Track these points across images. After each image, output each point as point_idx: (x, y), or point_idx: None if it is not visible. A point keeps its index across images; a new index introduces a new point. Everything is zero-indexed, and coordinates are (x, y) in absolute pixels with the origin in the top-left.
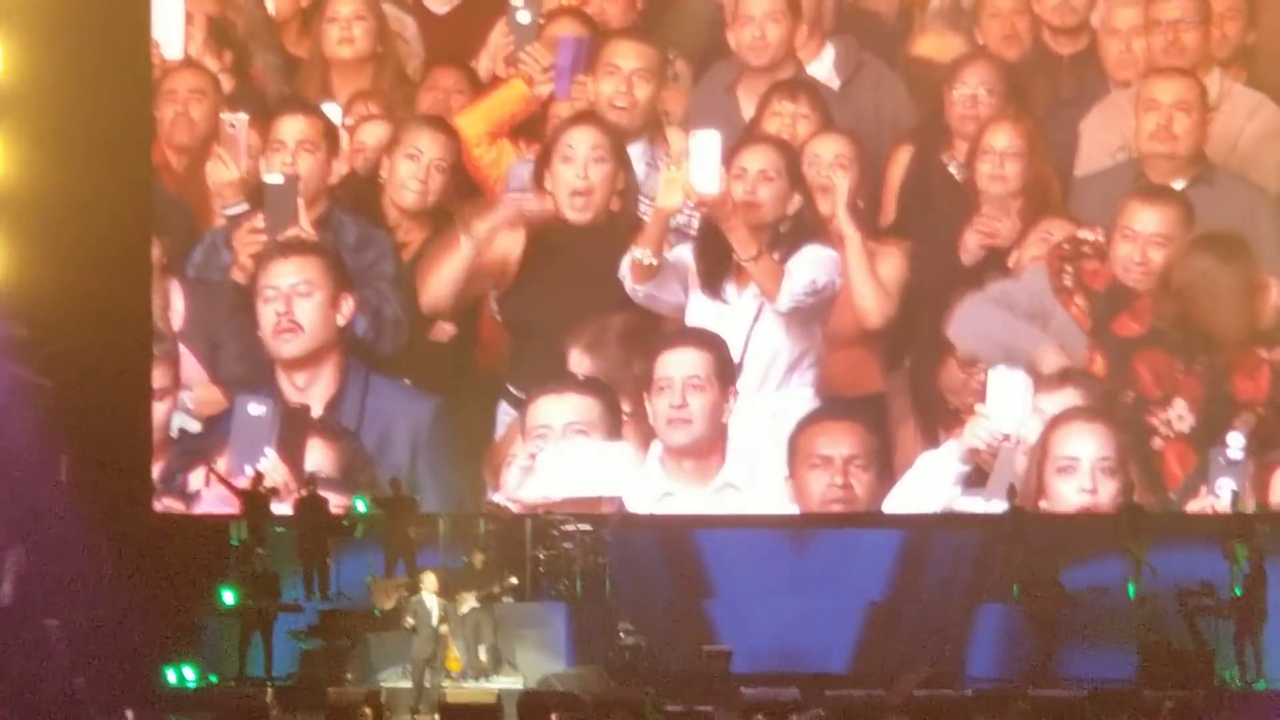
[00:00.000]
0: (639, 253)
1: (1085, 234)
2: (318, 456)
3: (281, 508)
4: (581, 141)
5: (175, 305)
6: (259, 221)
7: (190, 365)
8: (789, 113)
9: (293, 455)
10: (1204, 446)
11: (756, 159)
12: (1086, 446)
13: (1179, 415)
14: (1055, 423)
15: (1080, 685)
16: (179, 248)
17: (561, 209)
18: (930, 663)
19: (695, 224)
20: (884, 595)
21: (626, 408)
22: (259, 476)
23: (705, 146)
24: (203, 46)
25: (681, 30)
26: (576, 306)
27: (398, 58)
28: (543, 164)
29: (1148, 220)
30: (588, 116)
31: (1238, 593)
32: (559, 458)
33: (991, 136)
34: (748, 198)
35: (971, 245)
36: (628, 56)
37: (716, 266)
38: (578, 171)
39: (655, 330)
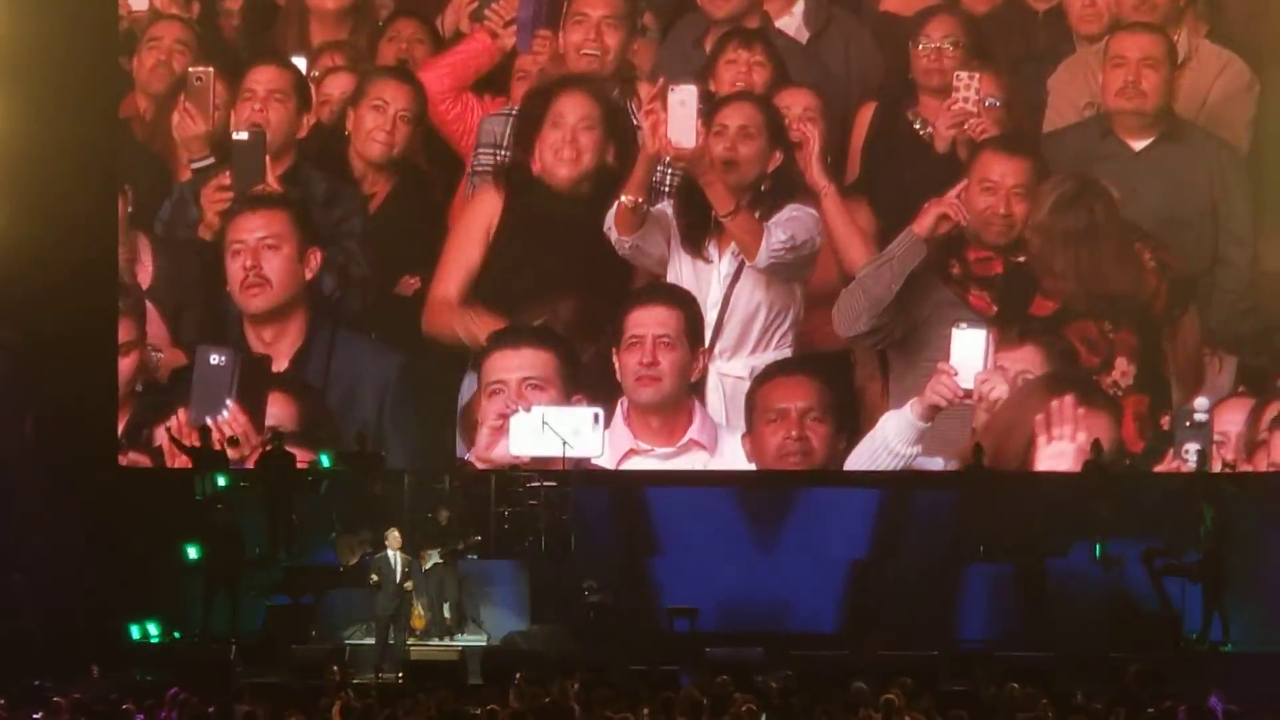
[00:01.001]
0: (625, 198)
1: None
2: (280, 410)
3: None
4: (571, 110)
5: (144, 261)
6: (226, 179)
7: (156, 322)
8: (744, 60)
9: (254, 406)
10: (1153, 393)
11: (737, 115)
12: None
13: (1122, 372)
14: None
15: (1047, 647)
16: (148, 201)
17: (546, 172)
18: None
19: (673, 181)
20: (853, 554)
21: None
22: (207, 430)
23: (682, 100)
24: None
25: None
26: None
27: (375, 10)
28: (531, 129)
29: (1006, 171)
30: (577, 82)
31: (1204, 554)
32: (527, 417)
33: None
34: (727, 154)
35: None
36: (595, 4)
37: (697, 223)
38: (565, 137)
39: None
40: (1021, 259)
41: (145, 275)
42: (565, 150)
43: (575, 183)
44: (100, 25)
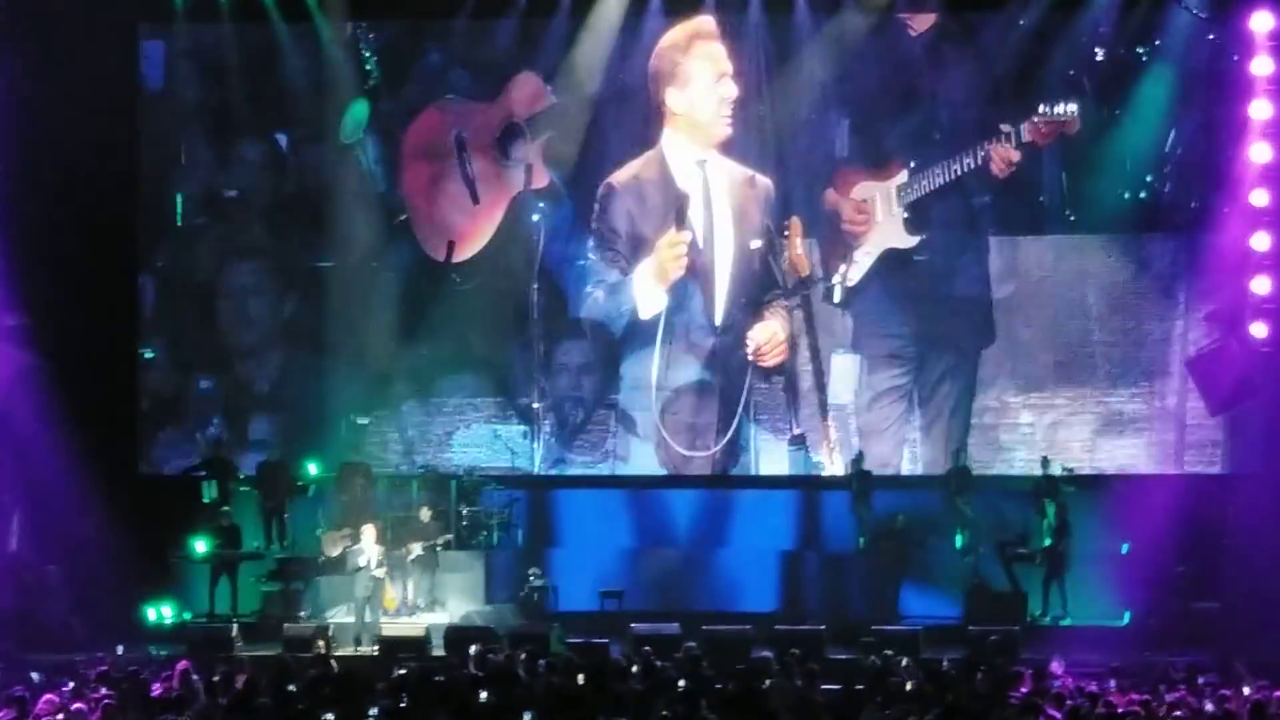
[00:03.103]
0: None
1: None
2: (263, 427)
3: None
4: None
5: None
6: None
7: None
8: None
9: (238, 424)
10: None
11: None
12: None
13: None
14: None
15: (915, 622)
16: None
17: None
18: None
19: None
20: (756, 545)
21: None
22: (218, 443)
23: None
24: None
25: None
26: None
27: None
28: None
29: None
30: None
31: (1047, 543)
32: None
33: None
34: None
35: None
36: None
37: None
38: None
39: None
40: None
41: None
42: None
43: None
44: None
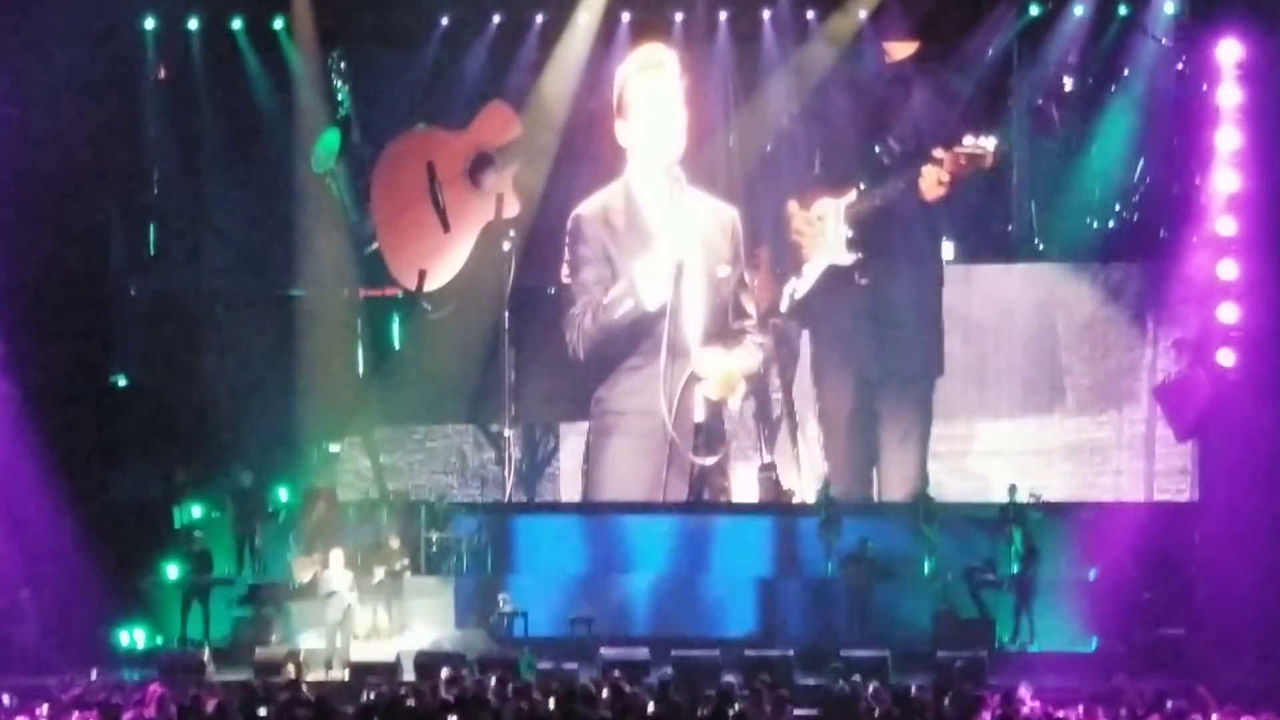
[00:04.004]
0: None
1: None
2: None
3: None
4: None
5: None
6: None
7: None
8: None
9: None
10: None
11: None
12: None
13: None
14: None
15: (883, 646)
16: None
17: None
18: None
19: None
20: (726, 572)
21: None
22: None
23: None
24: None
25: None
26: None
27: None
28: None
29: None
30: None
31: (1015, 570)
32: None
33: None
34: None
35: None
36: None
37: None
38: None
39: None
40: None
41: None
42: None
43: None
44: None
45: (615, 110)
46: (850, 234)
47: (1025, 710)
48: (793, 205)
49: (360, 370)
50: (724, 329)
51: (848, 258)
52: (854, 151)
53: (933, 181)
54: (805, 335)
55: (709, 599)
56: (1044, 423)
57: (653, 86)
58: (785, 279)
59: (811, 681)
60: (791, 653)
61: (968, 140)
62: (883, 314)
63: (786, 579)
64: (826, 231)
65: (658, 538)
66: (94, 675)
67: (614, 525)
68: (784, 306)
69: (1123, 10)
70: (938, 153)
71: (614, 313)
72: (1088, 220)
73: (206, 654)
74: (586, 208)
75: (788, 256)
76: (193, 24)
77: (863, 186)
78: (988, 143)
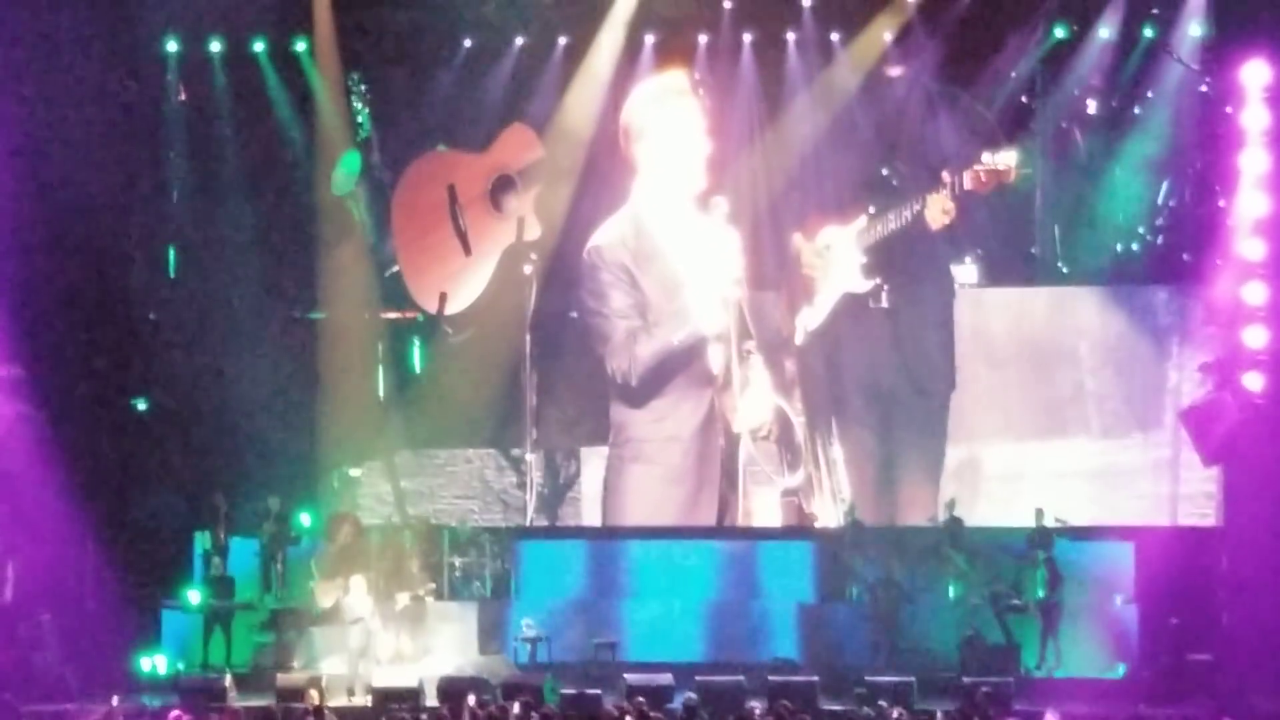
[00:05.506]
0: None
1: None
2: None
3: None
4: None
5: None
6: None
7: None
8: None
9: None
10: None
11: None
12: None
13: None
14: None
15: (908, 672)
16: None
17: None
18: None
19: None
20: (744, 596)
21: None
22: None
23: None
24: None
25: None
26: None
27: None
28: None
29: None
30: None
31: (1041, 595)
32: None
33: None
34: None
35: None
36: None
37: None
38: None
39: None
40: None
41: None
42: None
43: None
44: None
45: (637, 133)
46: (864, 260)
47: None
48: (798, 239)
49: (381, 393)
50: (747, 354)
51: (864, 284)
52: (859, 176)
53: (937, 211)
54: (826, 359)
55: (734, 624)
56: (1068, 446)
57: (686, 111)
58: (798, 310)
59: (836, 707)
60: (816, 678)
61: (986, 157)
62: (905, 337)
63: (811, 604)
64: (837, 261)
65: (681, 562)
66: (115, 701)
67: (636, 550)
68: (799, 339)
69: (1148, 33)
70: (946, 176)
71: (673, 338)
72: (1112, 243)
73: (228, 680)
74: (602, 238)
75: (799, 290)
76: (215, 46)
77: (872, 211)
78: (1008, 157)
